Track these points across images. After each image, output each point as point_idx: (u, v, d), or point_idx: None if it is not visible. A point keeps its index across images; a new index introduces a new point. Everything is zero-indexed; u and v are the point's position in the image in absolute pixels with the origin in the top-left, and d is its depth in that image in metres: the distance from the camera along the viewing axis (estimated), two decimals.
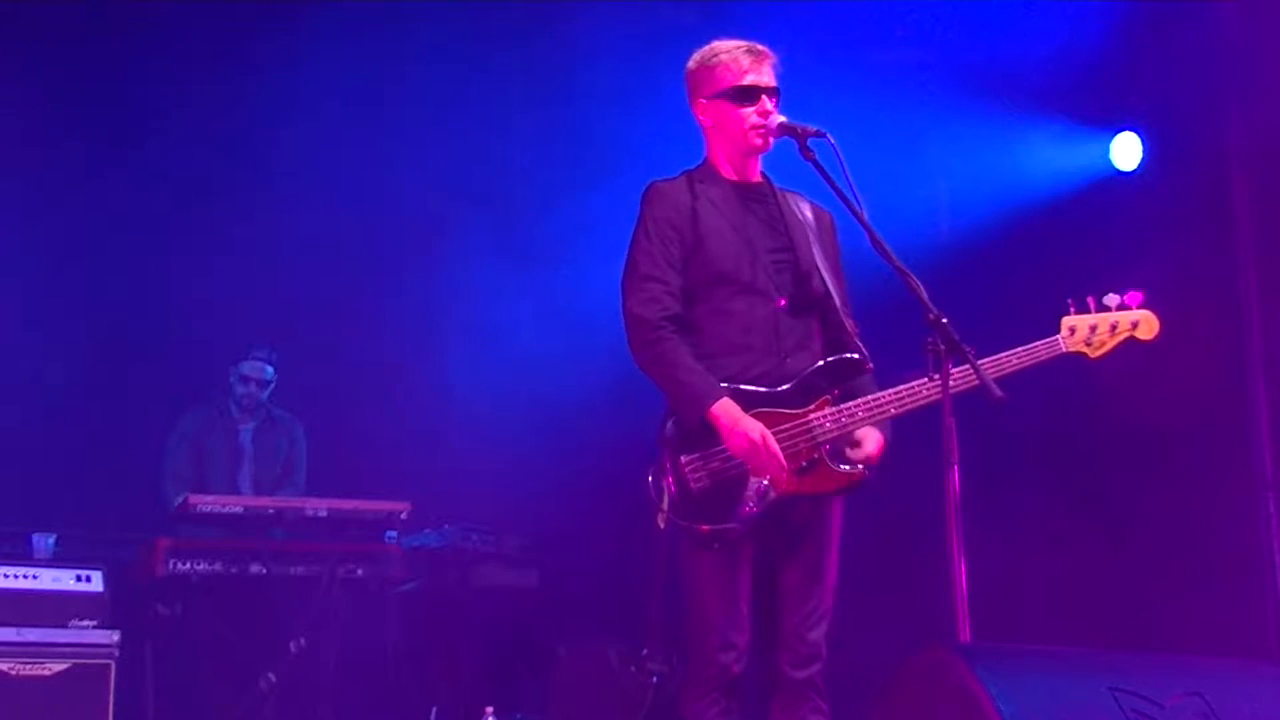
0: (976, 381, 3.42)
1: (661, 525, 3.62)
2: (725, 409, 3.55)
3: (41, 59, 6.47)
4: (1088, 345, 3.76)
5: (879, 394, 3.64)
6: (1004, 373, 3.63)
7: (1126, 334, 3.77)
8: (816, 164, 3.63)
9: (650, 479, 3.64)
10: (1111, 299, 3.76)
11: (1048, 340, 3.74)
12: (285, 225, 6.66)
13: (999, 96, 6.36)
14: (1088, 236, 6.21)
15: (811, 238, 3.78)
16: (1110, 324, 3.76)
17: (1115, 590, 5.89)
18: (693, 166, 3.88)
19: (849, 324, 3.74)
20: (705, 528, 3.58)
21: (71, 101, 6.57)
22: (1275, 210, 5.77)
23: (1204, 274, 5.83)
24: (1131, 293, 3.76)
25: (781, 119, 3.73)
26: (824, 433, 3.62)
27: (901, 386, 3.62)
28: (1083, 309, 3.77)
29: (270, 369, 6.41)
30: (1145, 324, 3.78)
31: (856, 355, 3.69)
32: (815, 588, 3.69)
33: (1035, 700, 2.75)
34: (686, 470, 3.59)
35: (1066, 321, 3.75)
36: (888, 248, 3.51)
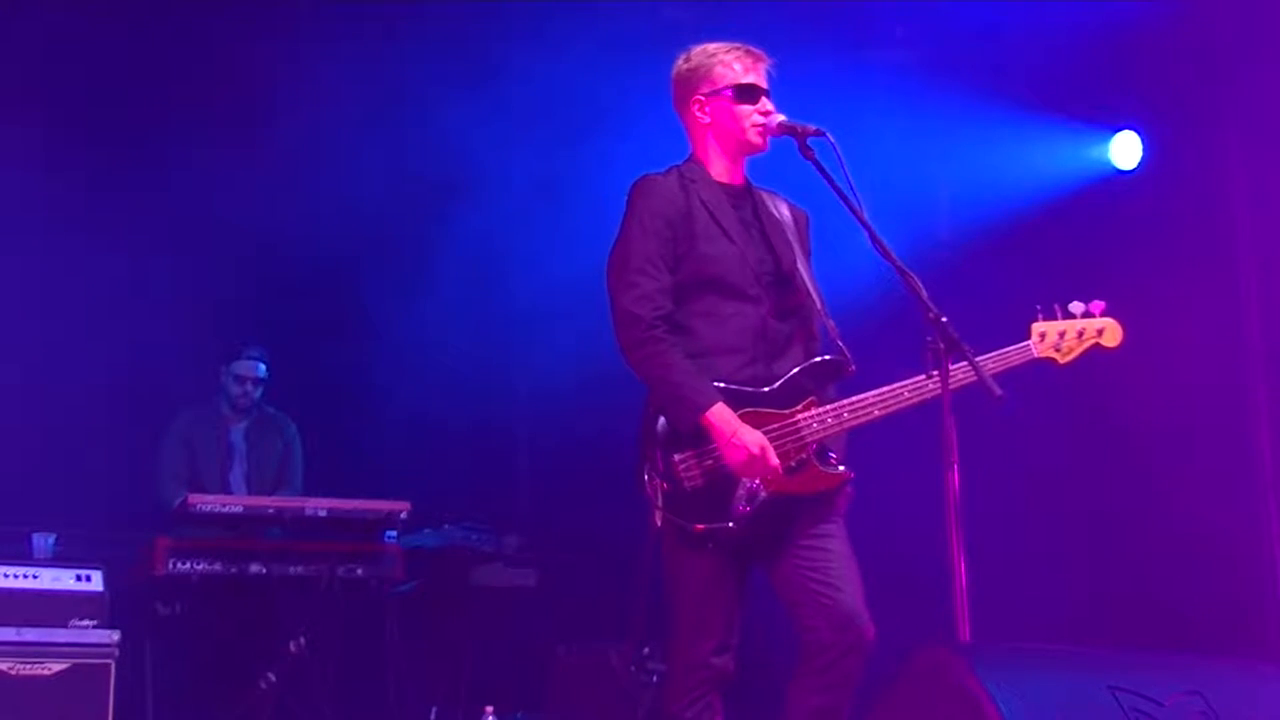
0: (970, 379, 3.45)
1: (659, 523, 3.60)
2: (721, 416, 3.52)
3: (37, 58, 6.46)
4: (1057, 350, 3.82)
5: (863, 395, 3.64)
6: (973, 379, 3.62)
7: (1093, 341, 3.84)
8: (816, 163, 3.63)
9: (645, 478, 3.62)
10: (1076, 307, 3.83)
11: (1019, 345, 3.79)
12: (284, 223, 6.65)
13: (999, 95, 6.37)
14: (1088, 236, 6.21)
15: (792, 239, 3.79)
16: (1078, 330, 3.82)
17: (1116, 589, 5.89)
18: (679, 163, 3.85)
19: (830, 325, 3.74)
20: (700, 527, 3.56)
21: (71, 102, 6.57)
22: (1275, 210, 5.77)
23: (1204, 274, 5.83)
24: (1095, 301, 3.84)
25: (781, 118, 3.74)
26: (811, 433, 3.62)
27: (884, 388, 3.63)
28: (1050, 316, 3.83)
29: (263, 366, 6.40)
30: (1110, 332, 3.85)
31: (840, 357, 3.69)
32: (833, 583, 3.63)
33: (1035, 700, 2.75)
34: (679, 468, 3.57)
35: (1036, 328, 3.81)
36: (888, 247, 3.52)
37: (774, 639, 3.73)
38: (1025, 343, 3.79)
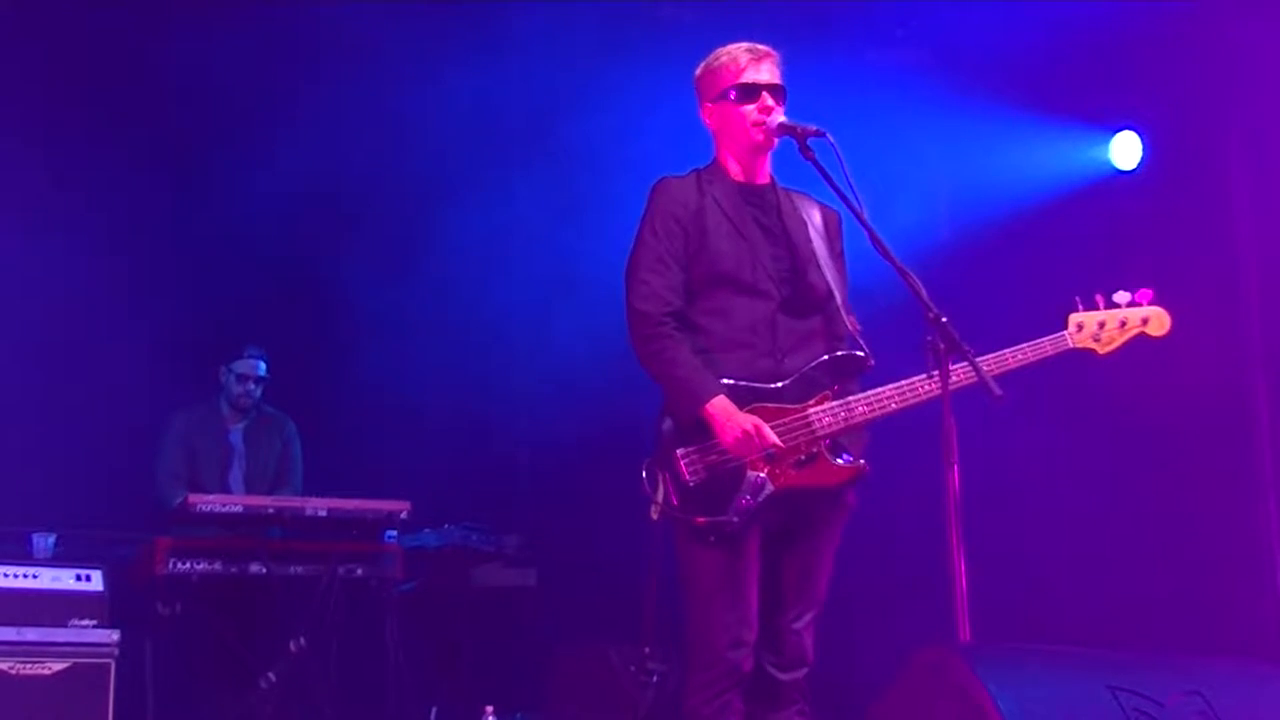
0: (972, 379, 3.45)
1: (654, 516, 3.63)
2: (720, 406, 3.56)
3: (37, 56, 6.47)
4: (1096, 341, 3.80)
5: (880, 389, 3.66)
6: (1008, 369, 3.66)
7: (1137, 330, 3.81)
8: (816, 164, 3.65)
9: (644, 473, 3.65)
10: (1121, 296, 3.79)
11: (1054, 336, 3.77)
12: (282, 223, 6.66)
13: (999, 95, 6.36)
14: (1088, 236, 6.20)
15: (816, 239, 3.80)
16: (1120, 320, 3.79)
17: (1116, 590, 5.88)
18: (702, 166, 3.89)
19: (851, 322, 3.75)
20: (701, 520, 3.58)
21: (70, 103, 6.57)
22: (1275, 210, 5.77)
23: (1204, 274, 5.82)
24: (1142, 290, 3.80)
25: (782, 119, 3.75)
26: (823, 427, 3.63)
27: (903, 382, 3.64)
28: (1090, 306, 3.80)
29: (264, 365, 6.39)
30: (1156, 320, 3.81)
31: (859, 352, 3.71)
32: (807, 589, 3.70)
33: (1035, 700, 2.76)
34: (683, 463, 3.60)
35: (1074, 318, 3.79)
36: (888, 247, 3.53)
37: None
38: (1061, 333, 3.78)
